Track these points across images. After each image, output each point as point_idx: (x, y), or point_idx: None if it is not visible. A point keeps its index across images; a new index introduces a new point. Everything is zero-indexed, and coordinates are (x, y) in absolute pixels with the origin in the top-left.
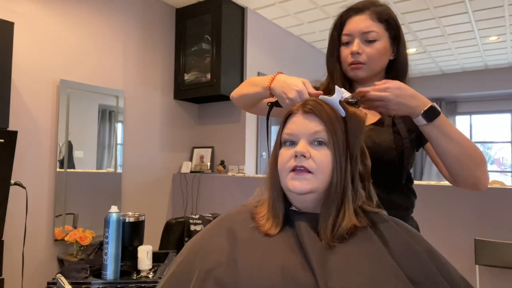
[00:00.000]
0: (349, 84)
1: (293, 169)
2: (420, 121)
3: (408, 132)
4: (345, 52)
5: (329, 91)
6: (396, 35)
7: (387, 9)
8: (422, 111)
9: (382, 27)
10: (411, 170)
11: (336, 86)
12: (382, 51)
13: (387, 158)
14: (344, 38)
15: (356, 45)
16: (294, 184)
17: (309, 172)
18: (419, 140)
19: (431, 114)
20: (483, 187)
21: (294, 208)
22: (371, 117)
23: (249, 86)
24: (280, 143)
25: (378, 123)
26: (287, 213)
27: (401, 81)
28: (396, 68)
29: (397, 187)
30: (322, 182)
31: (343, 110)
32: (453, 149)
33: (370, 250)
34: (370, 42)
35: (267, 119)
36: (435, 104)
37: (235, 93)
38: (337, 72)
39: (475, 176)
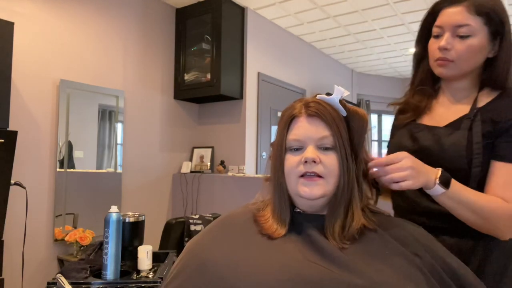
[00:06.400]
0: (433, 81)
1: (302, 175)
2: (438, 190)
3: (484, 136)
4: (433, 45)
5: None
6: (499, 30)
7: (491, 0)
8: (438, 180)
9: (480, 21)
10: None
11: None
12: (476, 48)
13: (454, 167)
14: (435, 30)
15: (444, 40)
16: (306, 190)
17: (320, 176)
18: (492, 149)
19: (445, 179)
20: (503, 238)
21: (298, 210)
22: (449, 115)
23: None
24: (284, 148)
25: (454, 124)
26: (292, 215)
27: (501, 84)
28: (495, 67)
29: None
30: (333, 185)
31: (343, 110)
32: (470, 218)
33: (382, 250)
34: (462, 37)
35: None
36: (442, 169)
37: None
38: (425, 66)
39: (495, 232)
